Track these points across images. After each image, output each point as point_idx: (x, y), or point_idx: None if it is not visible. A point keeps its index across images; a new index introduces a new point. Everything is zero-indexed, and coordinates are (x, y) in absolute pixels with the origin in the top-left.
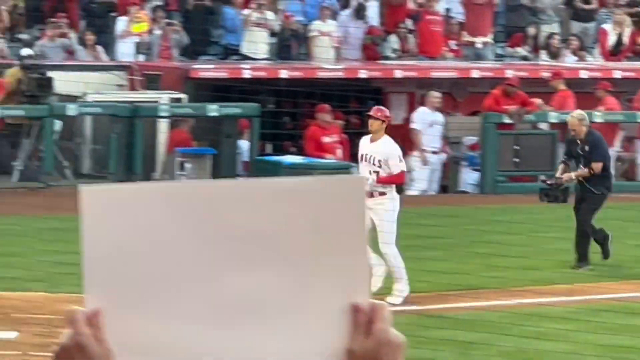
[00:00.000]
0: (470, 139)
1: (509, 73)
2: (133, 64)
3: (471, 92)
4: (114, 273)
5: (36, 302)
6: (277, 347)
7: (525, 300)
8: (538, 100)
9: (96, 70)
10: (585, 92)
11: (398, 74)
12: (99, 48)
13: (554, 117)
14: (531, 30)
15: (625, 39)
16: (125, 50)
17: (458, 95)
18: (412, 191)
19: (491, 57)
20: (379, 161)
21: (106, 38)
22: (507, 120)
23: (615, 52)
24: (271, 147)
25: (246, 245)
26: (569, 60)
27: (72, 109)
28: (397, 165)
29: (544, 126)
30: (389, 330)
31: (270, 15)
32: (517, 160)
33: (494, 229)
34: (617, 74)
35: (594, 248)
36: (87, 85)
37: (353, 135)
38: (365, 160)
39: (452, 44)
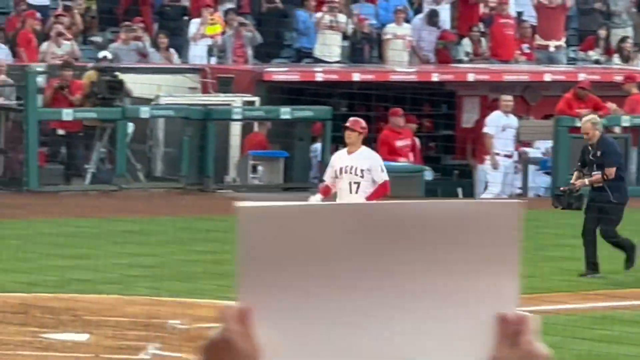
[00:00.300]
0: (543, 143)
1: (582, 76)
2: (206, 66)
3: (544, 95)
4: (267, 273)
5: (108, 304)
6: (423, 352)
7: (597, 304)
8: (611, 104)
9: (169, 73)
10: None
11: (471, 77)
12: (172, 51)
13: (626, 120)
14: (603, 34)
15: None
16: (198, 53)
17: (530, 99)
18: (486, 195)
19: (564, 61)
20: (362, 171)
21: (179, 41)
22: (579, 124)
23: None
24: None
25: (397, 255)
26: None
27: (144, 112)
28: (380, 175)
29: (616, 130)
30: (535, 343)
31: (342, 18)
32: None
33: (566, 233)
34: None
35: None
36: (159, 88)
37: (426, 138)
38: (346, 172)
39: (525, 47)
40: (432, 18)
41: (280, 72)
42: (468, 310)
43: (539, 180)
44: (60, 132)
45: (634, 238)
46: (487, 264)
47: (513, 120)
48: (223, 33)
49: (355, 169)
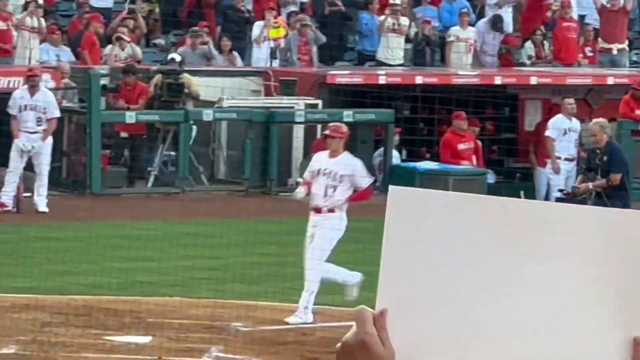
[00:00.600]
0: None
1: None
2: (269, 69)
3: (606, 99)
4: (407, 275)
5: (171, 307)
6: None
7: None
8: None
9: (232, 75)
10: None
11: (533, 80)
12: (235, 54)
13: None
14: None
15: None
16: (261, 56)
17: (593, 102)
18: (552, 199)
19: (626, 64)
20: (341, 176)
21: (242, 44)
22: None
23: None
24: (406, 153)
25: (538, 266)
26: None
27: (207, 115)
28: (364, 179)
29: None
30: None
31: (405, 20)
32: None
33: None
34: None
35: None
36: (223, 91)
37: (488, 141)
38: (324, 175)
39: (588, 50)
40: (497, 23)
41: (343, 75)
42: (603, 329)
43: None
44: (123, 134)
45: None
46: (628, 281)
47: (575, 123)
48: (286, 36)
49: (334, 174)
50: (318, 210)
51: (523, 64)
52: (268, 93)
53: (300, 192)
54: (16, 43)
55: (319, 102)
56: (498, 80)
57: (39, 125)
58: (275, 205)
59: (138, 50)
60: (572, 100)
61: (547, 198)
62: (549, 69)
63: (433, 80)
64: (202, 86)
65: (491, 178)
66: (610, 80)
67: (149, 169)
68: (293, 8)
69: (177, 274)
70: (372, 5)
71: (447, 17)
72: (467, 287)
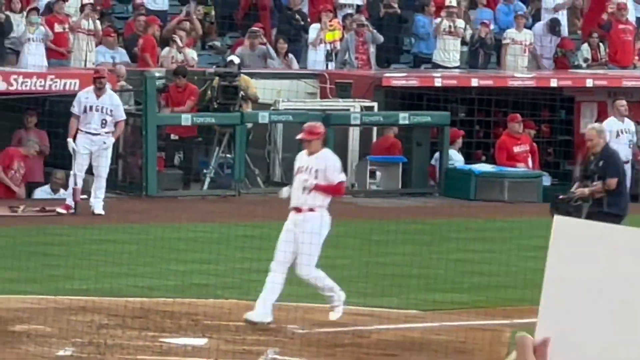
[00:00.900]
0: None
1: None
2: (324, 72)
3: None
4: (570, 306)
5: (227, 309)
6: None
7: None
8: None
9: (288, 78)
10: None
11: (589, 82)
12: (291, 56)
13: None
14: None
15: None
16: (317, 58)
17: None
18: None
19: None
20: (316, 171)
21: (298, 46)
22: None
23: None
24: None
25: None
26: None
27: (263, 117)
28: (335, 175)
29: None
30: None
31: (461, 23)
32: None
33: None
34: None
35: None
36: (279, 93)
37: (544, 144)
38: (301, 172)
39: None
40: (555, 27)
41: (398, 78)
42: None
43: None
44: (174, 137)
45: None
46: None
47: (629, 125)
48: (341, 39)
49: (310, 169)
50: (298, 210)
51: (579, 67)
52: (324, 95)
53: (285, 190)
54: (72, 46)
55: (375, 104)
56: (554, 83)
57: (103, 127)
58: (330, 207)
59: (193, 53)
60: (623, 102)
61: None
62: (604, 72)
63: (489, 82)
64: (259, 88)
65: (547, 180)
66: None
67: (205, 171)
68: (349, 11)
69: (233, 276)
70: (428, 8)
71: (504, 19)
72: (632, 322)
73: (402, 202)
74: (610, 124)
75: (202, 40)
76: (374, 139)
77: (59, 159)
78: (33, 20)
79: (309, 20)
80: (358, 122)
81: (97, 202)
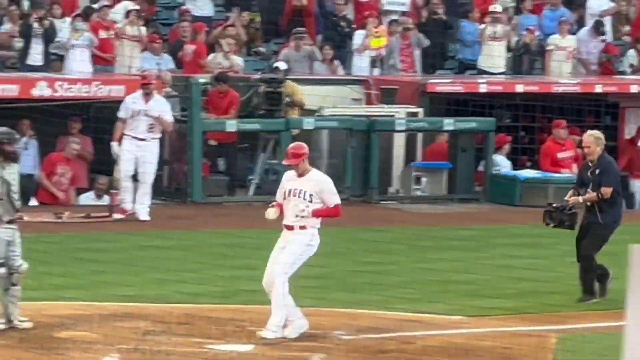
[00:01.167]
0: None
1: None
2: (369, 77)
3: None
4: None
5: None
6: None
7: None
8: None
9: (333, 84)
10: None
11: (634, 88)
12: (336, 62)
13: None
14: None
15: None
16: (362, 64)
17: None
18: None
19: None
20: (310, 195)
21: (342, 52)
22: None
23: None
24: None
25: None
26: None
27: (308, 123)
28: (332, 198)
29: None
30: None
31: (505, 28)
32: None
33: None
34: None
35: None
36: (324, 99)
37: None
38: (294, 196)
39: None
40: (599, 28)
41: (443, 84)
42: None
43: None
44: (214, 142)
45: None
46: None
47: None
48: (387, 46)
49: (304, 193)
50: (290, 228)
51: (624, 73)
52: (369, 101)
53: (272, 212)
54: (117, 52)
55: (420, 110)
56: (599, 89)
57: (150, 132)
58: (376, 214)
59: (239, 59)
60: None
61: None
62: None
63: (534, 88)
64: (304, 95)
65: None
66: None
67: (250, 177)
68: (394, 17)
69: None
70: (472, 14)
71: (549, 25)
72: None
73: (448, 208)
74: None
75: (247, 47)
76: (419, 145)
77: (103, 165)
78: (78, 26)
79: (354, 26)
80: (403, 128)
81: (143, 209)
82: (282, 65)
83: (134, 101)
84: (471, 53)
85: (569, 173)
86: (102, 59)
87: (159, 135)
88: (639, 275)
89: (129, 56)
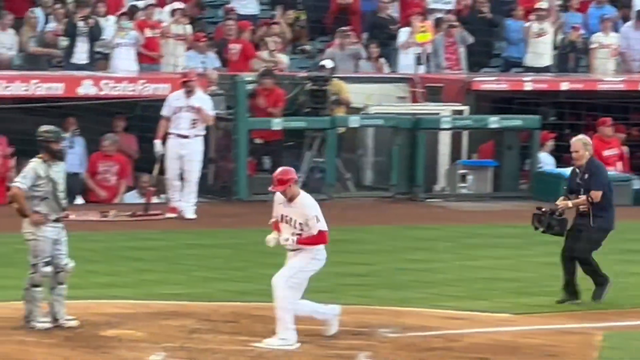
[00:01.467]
0: None
1: None
2: (415, 76)
3: None
4: None
5: None
6: None
7: None
8: None
9: (379, 82)
10: None
11: None
12: (382, 60)
13: None
14: None
15: None
16: (407, 62)
17: None
18: None
19: None
20: (300, 224)
21: (387, 50)
22: None
23: None
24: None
25: None
26: None
27: (354, 121)
28: (315, 226)
29: None
30: None
31: (550, 26)
32: None
33: None
34: None
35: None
36: (369, 97)
37: (634, 147)
38: (286, 223)
39: None
40: None
41: (489, 82)
42: None
43: None
44: (258, 141)
45: None
46: None
47: None
48: (433, 42)
49: (295, 222)
50: (292, 250)
51: None
52: (414, 99)
53: (272, 240)
54: (162, 50)
55: (466, 108)
56: None
57: (193, 127)
58: (422, 212)
59: (285, 57)
60: None
61: None
62: None
63: (579, 86)
64: (352, 93)
65: (637, 184)
66: None
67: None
68: (440, 15)
69: (325, 280)
70: (516, 12)
71: (595, 23)
72: None
73: (493, 206)
74: None
75: (293, 45)
76: (465, 142)
77: (149, 164)
78: (124, 25)
79: (399, 24)
80: (448, 126)
81: (188, 207)
82: (328, 64)
83: (176, 98)
84: (516, 50)
85: (614, 171)
86: (148, 58)
87: (202, 132)
88: None
89: (174, 55)
